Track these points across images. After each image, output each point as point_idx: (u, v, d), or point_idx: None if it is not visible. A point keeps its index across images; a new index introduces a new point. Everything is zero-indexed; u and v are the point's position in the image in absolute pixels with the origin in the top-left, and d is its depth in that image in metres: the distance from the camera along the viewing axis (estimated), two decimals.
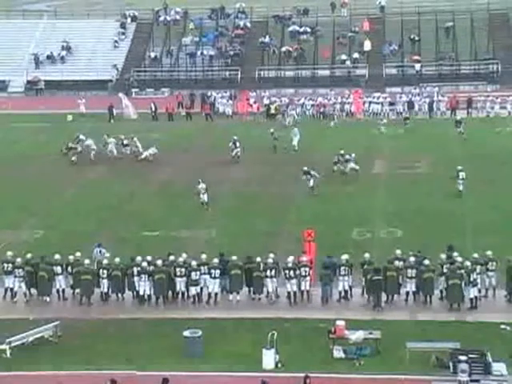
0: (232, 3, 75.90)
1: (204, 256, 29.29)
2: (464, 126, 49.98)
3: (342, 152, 43.18)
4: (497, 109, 56.88)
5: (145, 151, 47.58)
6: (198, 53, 70.92)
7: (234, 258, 29.15)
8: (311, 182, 39.69)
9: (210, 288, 28.81)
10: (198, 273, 28.68)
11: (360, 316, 26.97)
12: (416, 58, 67.86)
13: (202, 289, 28.93)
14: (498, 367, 22.68)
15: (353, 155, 42.82)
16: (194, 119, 58.84)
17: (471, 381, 22.13)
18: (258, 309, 28.22)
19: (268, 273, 28.54)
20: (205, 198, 38.13)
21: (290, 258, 28.72)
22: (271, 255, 29.03)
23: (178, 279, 28.81)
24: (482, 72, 66.51)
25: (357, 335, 24.72)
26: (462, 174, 38.88)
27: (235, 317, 27.60)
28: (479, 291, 27.76)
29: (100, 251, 30.88)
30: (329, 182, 41.74)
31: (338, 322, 25.10)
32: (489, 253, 28.35)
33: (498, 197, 38.24)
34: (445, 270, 27.84)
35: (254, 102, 60.56)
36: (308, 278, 28.57)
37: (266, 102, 60.37)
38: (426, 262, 28.02)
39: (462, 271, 27.48)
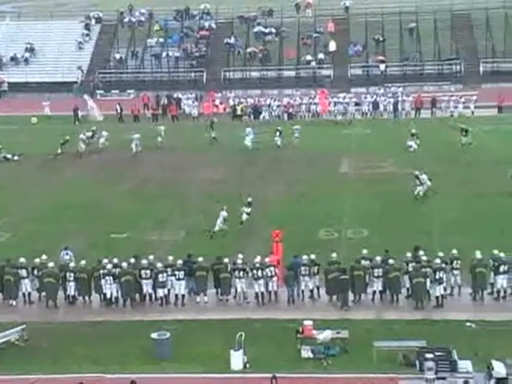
0: (197, 4, 75.86)
1: (171, 258, 29.30)
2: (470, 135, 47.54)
3: (417, 173, 39.15)
4: (460, 108, 57.44)
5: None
6: (164, 54, 70.79)
7: (201, 259, 29.17)
8: (243, 216, 35.84)
9: (177, 290, 28.82)
10: (165, 274, 28.66)
11: (328, 316, 27.10)
12: (380, 58, 68.33)
13: (169, 291, 28.94)
14: (464, 364, 22.89)
15: (424, 176, 38.83)
16: (159, 120, 58.77)
17: (437, 378, 22.30)
18: (226, 310, 28.26)
19: (237, 273, 28.59)
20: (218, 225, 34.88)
21: (258, 259, 28.81)
22: (240, 256, 29.11)
23: (143, 281, 28.77)
24: (446, 72, 67.17)
25: (324, 335, 24.84)
26: None
27: (203, 318, 27.62)
28: (445, 289, 28.04)
29: (67, 253, 30.72)
30: (295, 182, 41.92)
31: (306, 322, 25.21)
32: (454, 251, 28.63)
33: (466, 197, 38.46)
34: (410, 269, 28.10)
35: (220, 103, 60.70)
36: (275, 279, 28.65)
37: (231, 103, 60.49)
38: (391, 261, 28.23)
39: (427, 269, 27.76)
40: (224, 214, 35.06)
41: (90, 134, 50.65)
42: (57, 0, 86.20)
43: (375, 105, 58.72)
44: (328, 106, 59.25)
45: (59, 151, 48.54)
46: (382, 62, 67.94)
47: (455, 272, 28.44)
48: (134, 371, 23.72)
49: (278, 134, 49.34)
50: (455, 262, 28.38)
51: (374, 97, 59.78)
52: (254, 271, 28.49)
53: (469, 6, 71.22)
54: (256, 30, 72.91)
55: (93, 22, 75.12)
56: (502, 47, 67.86)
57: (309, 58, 69.42)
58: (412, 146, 47.31)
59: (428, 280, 27.70)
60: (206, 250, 30.73)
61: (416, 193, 38.28)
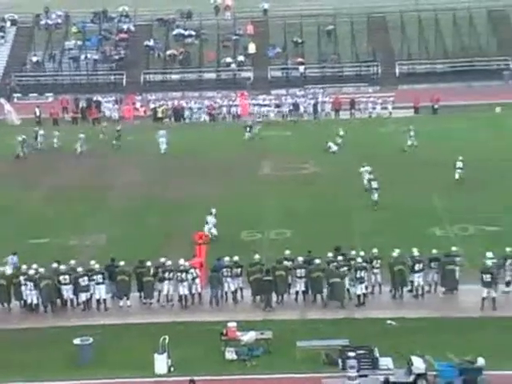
0: (115, 7, 75.20)
1: (93, 262, 29.04)
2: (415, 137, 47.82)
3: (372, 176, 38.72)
4: (378, 109, 58.42)
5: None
6: (82, 57, 69.97)
7: (122, 263, 28.99)
8: (213, 230, 34.38)
9: (97, 294, 28.59)
10: (86, 278, 28.37)
11: (251, 317, 27.26)
12: (300, 60, 68.99)
13: (91, 295, 28.69)
14: (385, 362, 23.36)
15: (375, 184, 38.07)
16: (79, 124, 58.16)
17: (359, 376, 22.70)
18: (149, 313, 28.16)
19: (166, 275, 28.53)
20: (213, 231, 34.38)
21: (181, 261, 28.79)
22: (162, 259, 29.05)
23: (63, 287, 28.49)
24: (364, 74, 68.19)
25: (248, 336, 24.98)
26: (458, 164, 40.27)
27: (127, 322, 27.47)
28: (366, 288, 28.47)
29: (12, 258, 30.47)
30: (217, 184, 42.02)
31: (230, 324, 25.31)
32: (374, 251, 29.10)
33: (388, 196, 38.94)
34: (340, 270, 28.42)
35: (141, 106, 60.45)
36: (197, 281, 28.68)
37: (152, 105, 60.25)
38: (317, 261, 28.51)
39: (345, 269, 28.14)
40: (212, 219, 34.61)
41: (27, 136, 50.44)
42: None
43: (295, 106, 59.25)
44: (248, 107, 59.60)
45: (21, 153, 48.63)
46: (301, 63, 68.61)
47: (375, 271, 28.91)
48: (57, 378, 23.45)
49: (247, 129, 51.35)
50: (375, 261, 28.85)
51: (295, 98, 60.34)
52: (179, 274, 28.48)
53: (384, 9, 72.46)
54: (175, 32, 72.75)
55: (8, 24, 73.69)
56: (416, 49, 69.34)
57: (229, 60, 69.62)
58: (332, 146, 47.88)
59: (346, 279, 28.09)
60: (129, 254, 30.54)
61: (375, 199, 37.89)
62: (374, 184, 38.06)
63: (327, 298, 28.24)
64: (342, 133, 49.20)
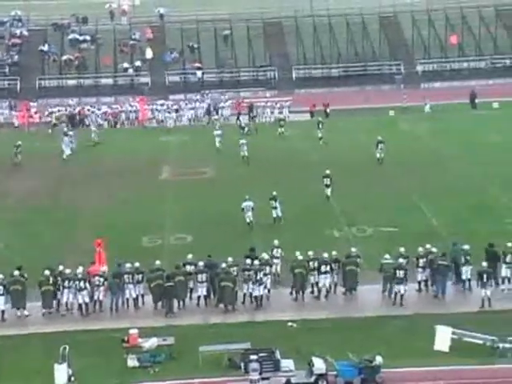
0: (6, 11, 73.75)
1: None
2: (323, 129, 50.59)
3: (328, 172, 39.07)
4: (276, 113, 59.06)
5: None
6: None
7: (16, 273, 28.38)
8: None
9: None
10: None
11: (153, 323, 27.15)
12: (197, 65, 69.18)
13: None
14: (287, 363, 23.60)
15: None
16: None
17: (262, 379, 22.91)
18: (49, 322, 27.69)
19: (66, 283, 28.11)
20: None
21: (80, 269, 28.43)
22: (61, 267, 28.63)
23: None
24: (261, 78, 68.97)
25: (150, 342, 24.88)
26: (381, 145, 44.11)
27: (25, 333, 26.95)
28: (269, 291, 28.70)
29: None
30: (116, 190, 41.66)
31: (131, 331, 25.15)
32: (275, 251, 29.41)
33: (286, 197, 39.26)
34: (234, 273, 28.54)
35: (35, 113, 59.34)
36: (102, 288, 28.38)
37: (48, 111, 59.24)
38: (223, 265, 28.58)
39: (234, 273, 28.29)
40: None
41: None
42: None
43: (195, 111, 59.34)
44: (147, 113, 59.38)
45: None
46: (199, 68, 68.82)
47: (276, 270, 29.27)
48: None
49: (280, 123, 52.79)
50: (276, 260, 29.17)
51: (193, 103, 60.44)
52: (77, 282, 28.11)
53: (279, 14, 73.35)
54: (71, 37, 71.90)
55: None
56: (312, 54, 70.46)
57: (126, 65, 69.22)
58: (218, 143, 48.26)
59: (236, 283, 28.21)
60: (23, 263, 29.85)
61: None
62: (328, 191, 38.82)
63: (217, 301, 28.36)
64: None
